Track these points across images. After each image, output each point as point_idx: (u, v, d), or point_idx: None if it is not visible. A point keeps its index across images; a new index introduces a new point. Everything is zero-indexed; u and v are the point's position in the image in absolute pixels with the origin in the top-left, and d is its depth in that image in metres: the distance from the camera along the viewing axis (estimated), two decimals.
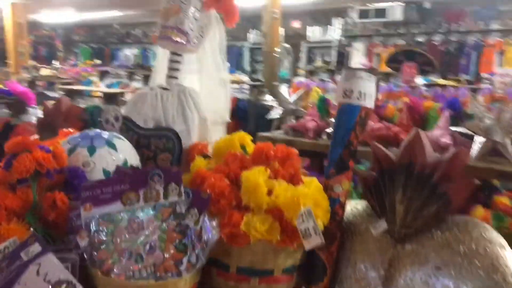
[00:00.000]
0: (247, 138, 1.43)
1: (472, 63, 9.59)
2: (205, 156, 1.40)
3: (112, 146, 1.28)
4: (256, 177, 1.14)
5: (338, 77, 7.39)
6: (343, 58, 11.68)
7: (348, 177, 1.22)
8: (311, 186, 1.17)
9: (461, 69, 9.73)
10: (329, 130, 2.81)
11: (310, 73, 8.09)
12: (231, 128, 1.70)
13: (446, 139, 2.38)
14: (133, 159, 1.34)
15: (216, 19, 1.63)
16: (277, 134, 3.04)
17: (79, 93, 6.70)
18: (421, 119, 2.60)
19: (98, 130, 1.34)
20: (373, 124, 2.63)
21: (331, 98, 2.91)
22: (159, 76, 1.67)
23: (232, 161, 1.27)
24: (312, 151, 2.79)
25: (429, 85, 5.67)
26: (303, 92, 3.59)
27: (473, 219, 1.15)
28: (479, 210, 2.40)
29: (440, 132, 2.40)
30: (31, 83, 7.38)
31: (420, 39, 10.25)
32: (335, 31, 11.48)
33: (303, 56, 11.76)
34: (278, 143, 1.36)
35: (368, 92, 1.20)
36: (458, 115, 2.40)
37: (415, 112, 2.62)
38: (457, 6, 9.83)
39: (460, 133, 2.42)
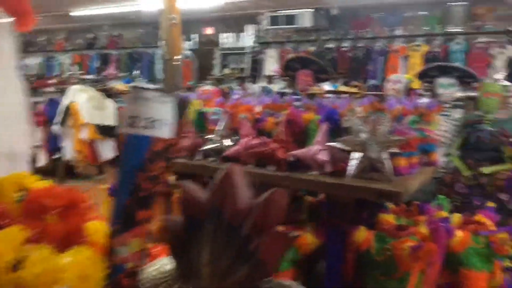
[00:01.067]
0: (29, 178, 1.08)
1: (379, 69, 9.80)
2: None
3: None
4: None
5: (249, 85, 7.17)
6: (256, 64, 11.58)
7: (138, 234, 0.91)
8: (80, 253, 0.85)
9: (369, 75, 9.91)
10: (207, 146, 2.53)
11: (218, 81, 7.82)
12: None
13: (322, 156, 2.17)
14: None
15: (4, 28, 1.26)
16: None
17: None
18: (300, 133, 2.37)
19: None
20: (249, 139, 2.37)
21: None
22: None
23: None
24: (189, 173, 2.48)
25: (334, 92, 5.59)
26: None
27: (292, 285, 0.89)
28: (362, 232, 2.21)
29: (317, 147, 2.19)
30: None
31: (330, 45, 10.35)
32: (248, 38, 11.36)
33: (217, 63, 11.52)
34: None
35: (161, 118, 0.90)
36: (337, 128, 2.20)
37: (294, 126, 2.39)
38: (365, 12, 10.03)
39: (340, 148, 2.21)
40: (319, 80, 4.23)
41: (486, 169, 3.22)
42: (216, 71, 11.07)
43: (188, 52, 10.17)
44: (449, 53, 8.97)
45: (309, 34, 10.57)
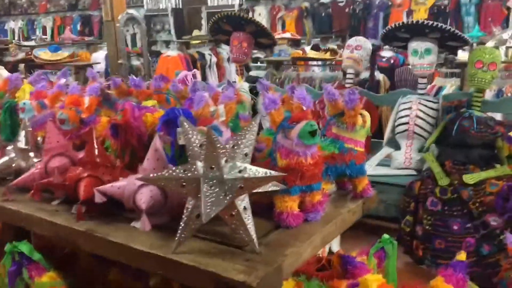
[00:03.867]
0: None
1: (380, 26, 8.61)
2: None
3: None
4: None
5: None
6: None
7: None
8: None
9: (369, 33, 8.71)
10: None
11: (186, 46, 6.79)
12: None
13: (142, 197, 1.21)
14: None
15: None
16: None
17: None
18: (142, 148, 1.42)
19: None
20: (48, 158, 1.42)
21: None
22: None
23: None
24: None
25: (298, 59, 4.54)
26: None
27: None
28: None
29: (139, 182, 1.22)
30: None
31: (324, 0, 9.17)
32: None
33: (203, 23, 10.44)
34: None
35: None
36: None
37: (127, 134, 1.43)
38: None
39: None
40: (259, 46, 3.21)
41: (470, 178, 2.21)
42: (204, 33, 9.98)
43: None
44: (459, 6, 7.70)
45: None
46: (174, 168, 1.08)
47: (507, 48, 3.87)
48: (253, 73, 4.99)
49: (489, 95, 3.70)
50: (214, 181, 1.05)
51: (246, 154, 1.11)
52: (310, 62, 5.06)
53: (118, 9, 5.09)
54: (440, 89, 3.91)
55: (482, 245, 2.10)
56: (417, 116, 2.53)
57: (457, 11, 7.92)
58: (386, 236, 1.68)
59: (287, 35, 6.45)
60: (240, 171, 1.05)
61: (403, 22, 2.49)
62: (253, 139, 1.12)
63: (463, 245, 2.12)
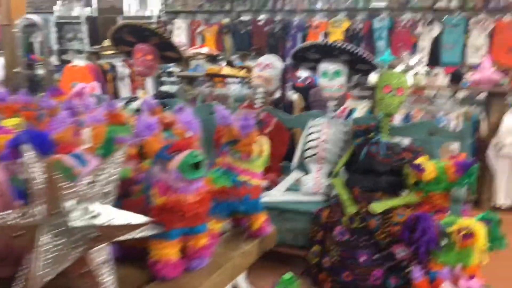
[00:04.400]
0: None
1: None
2: None
3: None
4: None
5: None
6: None
7: None
8: None
9: (287, 52, 8.80)
10: None
11: (96, 55, 6.38)
12: None
13: None
14: None
15: None
16: None
17: None
18: None
19: None
20: None
21: None
22: None
23: None
24: None
25: (213, 76, 4.37)
26: None
27: None
28: None
29: None
30: None
31: (245, 17, 9.15)
32: (155, 6, 9.98)
33: None
34: None
35: None
36: None
37: None
38: None
39: None
40: (165, 59, 2.99)
41: (377, 206, 2.13)
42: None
43: None
44: (372, 30, 7.99)
45: (223, 4, 9.32)
46: (8, 212, 0.84)
47: (415, 73, 3.98)
48: (166, 87, 4.73)
49: (397, 119, 3.75)
50: (58, 230, 0.81)
51: (107, 193, 0.89)
52: (228, 79, 4.91)
53: (16, 13, 4.64)
54: (352, 111, 3.91)
55: (389, 277, 2.01)
56: (326, 140, 2.44)
57: (371, 35, 8.22)
58: (287, 276, 1.52)
59: (205, 50, 6.28)
60: (93, 217, 0.83)
61: (312, 43, 2.40)
62: (116, 173, 0.90)
63: (370, 278, 2.02)
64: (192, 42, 9.51)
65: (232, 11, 9.28)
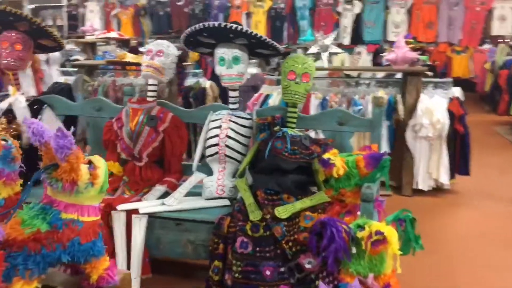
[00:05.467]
0: None
1: None
2: None
3: None
4: None
5: (68, 46, 5.13)
6: (76, 21, 9.51)
7: None
8: None
9: None
10: None
11: None
12: None
13: None
14: None
15: None
16: None
17: None
18: None
19: None
20: None
21: None
22: None
23: None
24: None
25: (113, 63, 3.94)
26: None
27: None
28: None
29: None
30: None
31: None
32: None
33: None
34: None
35: None
36: None
37: None
38: None
39: None
40: (41, 49, 2.55)
41: (282, 210, 1.88)
42: None
43: None
44: (294, 10, 7.79)
45: None
46: None
47: (330, 54, 3.77)
48: (63, 78, 4.24)
49: (314, 103, 3.53)
50: None
51: None
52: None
53: None
54: (267, 97, 3.64)
55: None
56: (228, 136, 2.14)
57: (294, 15, 8.02)
58: None
59: (112, 34, 5.76)
60: None
61: (203, 25, 2.07)
62: None
63: None
64: (107, 26, 8.88)
65: None
